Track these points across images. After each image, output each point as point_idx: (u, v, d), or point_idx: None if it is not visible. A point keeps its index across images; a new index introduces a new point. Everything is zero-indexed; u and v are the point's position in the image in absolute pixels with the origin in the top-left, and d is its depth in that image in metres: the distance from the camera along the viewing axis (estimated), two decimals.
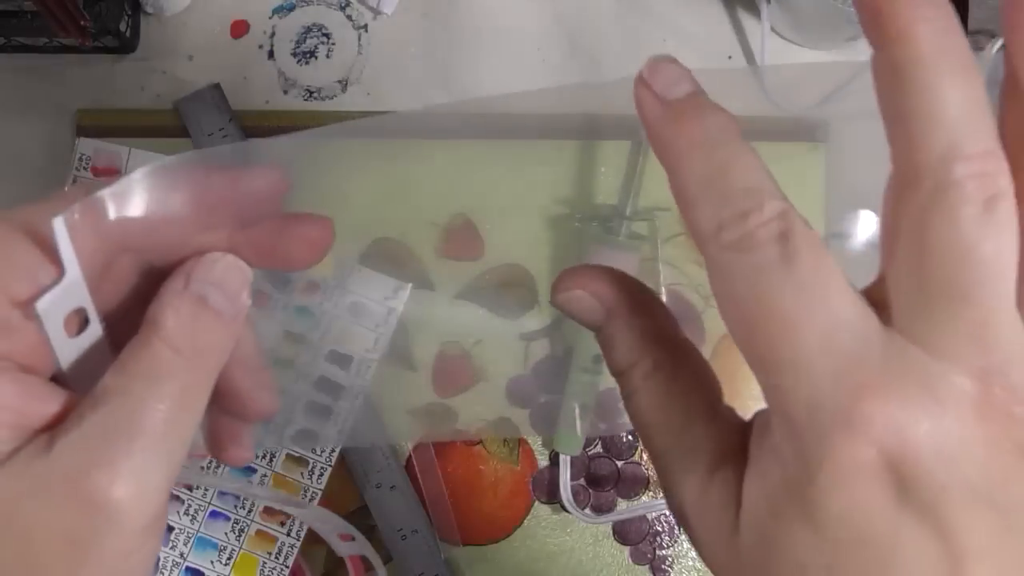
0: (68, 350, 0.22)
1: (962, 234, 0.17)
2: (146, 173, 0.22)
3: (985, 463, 0.17)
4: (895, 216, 0.18)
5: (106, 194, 0.21)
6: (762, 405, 0.20)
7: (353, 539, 0.46)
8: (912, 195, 0.18)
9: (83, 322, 0.22)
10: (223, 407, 0.26)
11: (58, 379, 0.23)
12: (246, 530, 0.47)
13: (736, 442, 0.21)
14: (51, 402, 0.21)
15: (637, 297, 0.23)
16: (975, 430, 0.17)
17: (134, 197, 0.22)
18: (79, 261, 0.21)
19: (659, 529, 0.50)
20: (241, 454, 0.27)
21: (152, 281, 0.23)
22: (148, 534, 0.21)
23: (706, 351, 0.49)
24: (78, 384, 0.23)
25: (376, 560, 0.46)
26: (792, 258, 0.18)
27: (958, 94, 0.17)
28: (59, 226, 0.20)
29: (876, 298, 0.19)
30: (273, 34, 0.51)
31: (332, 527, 0.46)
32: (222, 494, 0.47)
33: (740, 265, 0.18)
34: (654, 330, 0.22)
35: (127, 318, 0.23)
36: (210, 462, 0.47)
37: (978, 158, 0.17)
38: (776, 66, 0.52)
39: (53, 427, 0.21)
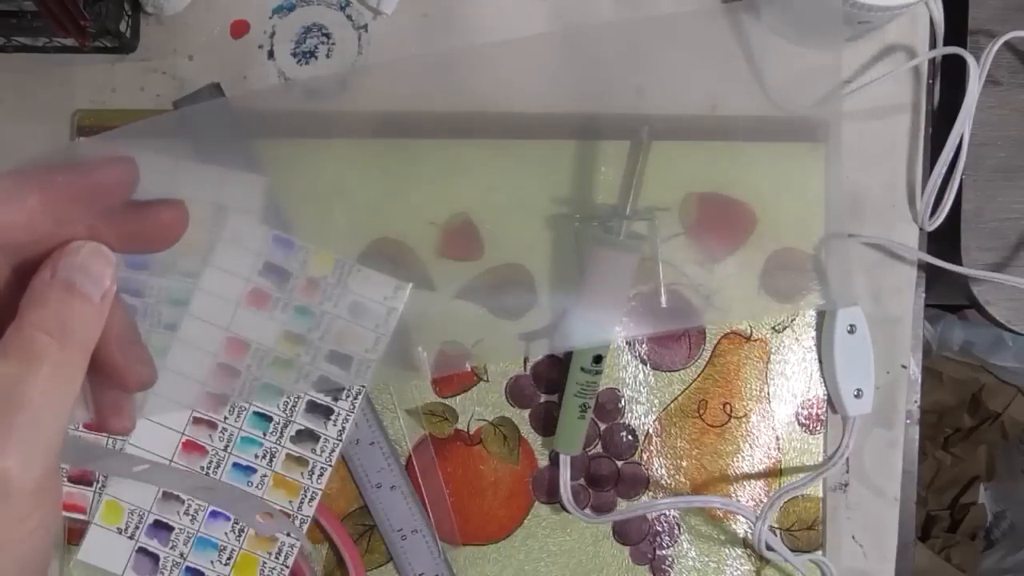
0: None
1: None
2: None
3: None
4: None
5: None
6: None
7: (272, 516, 0.46)
8: None
9: None
10: (104, 382, 0.28)
11: None
12: (246, 530, 0.47)
13: None
14: None
15: None
16: None
17: None
18: None
19: (659, 529, 0.50)
20: (122, 424, 0.29)
21: (26, 272, 0.26)
22: (39, 499, 0.23)
23: (706, 351, 0.49)
24: None
25: (303, 538, 0.47)
26: None
27: None
28: None
29: None
30: (273, 34, 0.51)
31: (250, 506, 0.46)
32: None
33: None
34: None
35: (8, 307, 0.25)
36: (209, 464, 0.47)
37: None
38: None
39: None
